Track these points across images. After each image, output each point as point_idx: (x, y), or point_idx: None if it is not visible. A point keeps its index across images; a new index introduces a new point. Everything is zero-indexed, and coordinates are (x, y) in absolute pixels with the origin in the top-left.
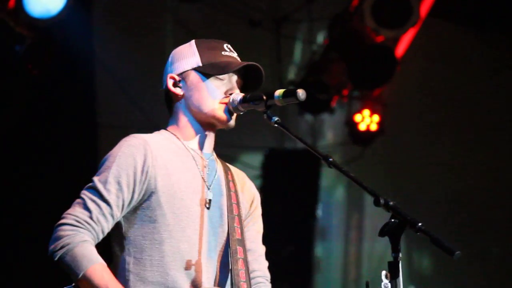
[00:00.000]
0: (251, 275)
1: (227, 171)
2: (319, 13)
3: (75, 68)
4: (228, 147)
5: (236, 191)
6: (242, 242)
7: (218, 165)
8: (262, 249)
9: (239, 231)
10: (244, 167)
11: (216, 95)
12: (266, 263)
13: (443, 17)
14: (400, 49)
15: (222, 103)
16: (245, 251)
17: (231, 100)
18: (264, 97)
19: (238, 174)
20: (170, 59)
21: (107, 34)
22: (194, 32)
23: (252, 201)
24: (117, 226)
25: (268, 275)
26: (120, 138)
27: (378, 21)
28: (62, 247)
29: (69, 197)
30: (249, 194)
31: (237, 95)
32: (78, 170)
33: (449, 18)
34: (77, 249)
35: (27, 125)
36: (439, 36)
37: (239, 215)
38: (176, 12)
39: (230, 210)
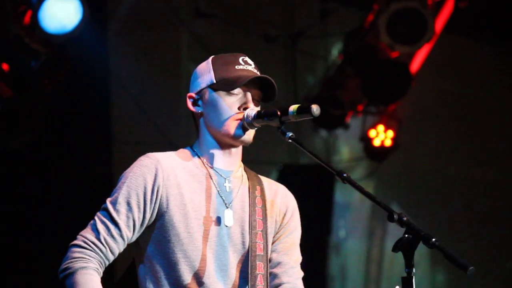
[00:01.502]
0: None
1: (255, 186)
2: (334, 28)
3: (90, 84)
4: (243, 162)
5: (264, 206)
6: (263, 257)
7: (244, 181)
8: (295, 261)
9: (261, 246)
10: None
11: (230, 111)
12: (299, 274)
13: (458, 33)
14: (415, 65)
15: (237, 119)
16: (266, 266)
17: (245, 116)
18: (279, 113)
19: (272, 188)
20: (192, 77)
21: (122, 50)
22: (209, 48)
23: (285, 214)
24: (137, 247)
25: (299, 287)
26: (134, 154)
27: (393, 37)
28: (64, 270)
29: (84, 213)
30: (281, 207)
31: (252, 111)
32: (93, 186)
33: (464, 33)
34: (76, 276)
35: (42, 140)
36: (454, 52)
37: (264, 231)
38: (191, 27)
39: (253, 226)
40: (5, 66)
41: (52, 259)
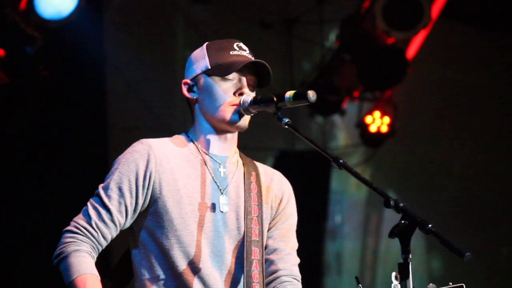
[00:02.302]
0: (276, 275)
1: (251, 172)
2: (330, 14)
3: (85, 70)
4: (238, 149)
5: (259, 192)
6: (258, 243)
7: (239, 167)
8: (292, 247)
9: (257, 232)
10: None
11: (225, 97)
12: (295, 261)
13: (454, 19)
14: (411, 51)
15: (232, 105)
16: (261, 252)
17: (241, 102)
18: (275, 99)
19: (267, 174)
20: (187, 63)
21: (118, 36)
22: (205, 34)
23: (281, 200)
24: (132, 232)
25: (295, 273)
26: (130, 139)
27: (389, 23)
28: (58, 255)
29: (80, 198)
30: (277, 193)
31: (248, 97)
32: (89, 171)
33: (460, 19)
34: (69, 259)
35: (37, 126)
36: (450, 38)
37: (259, 216)
38: (187, 13)
39: (248, 212)
40: (0, 52)
41: (46, 244)
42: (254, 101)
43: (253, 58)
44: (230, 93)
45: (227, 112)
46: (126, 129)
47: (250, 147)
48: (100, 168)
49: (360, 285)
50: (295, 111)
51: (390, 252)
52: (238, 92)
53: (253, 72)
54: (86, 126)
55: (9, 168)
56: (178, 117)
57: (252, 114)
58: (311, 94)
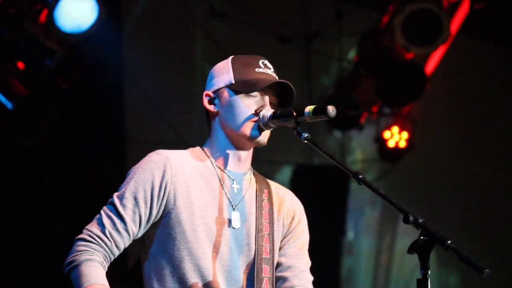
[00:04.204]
0: None
1: (263, 189)
2: (349, 29)
3: (104, 83)
4: (257, 163)
5: (271, 210)
6: (269, 261)
7: (252, 184)
8: (305, 265)
9: (268, 249)
10: None
11: (247, 113)
12: (309, 278)
13: (474, 35)
14: (430, 66)
15: (253, 121)
16: (272, 270)
17: (261, 116)
18: (294, 114)
19: (279, 192)
20: (208, 76)
21: (137, 49)
22: (224, 47)
23: (293, 218)
24: (143, 243)
25: None
26: (148, 153)
27: (408, 38)
28: (70, 263)
29: (96, 211)
30: (289, 211)
31: (267, 111)
32: (106, 184)
33: (479, 35)
34: (80, 268)
35: (56, 138)
36: (469, 54)
37: (271, 234)
38: (206, 27)
39: (259, 229)
40: (20, 65)
41: (62, 255)
42: (273, 116)
43: (277, 77)
44: (252, 110)
45: (248, 128)
46: (144, 142)
47: (268, 161)
48: (117, 181)
49: None
50: (313, 125)
51: (403, 269)
52: (259, 110)
53: (276, 91)
54: (104, 139)
55: (28, 180)
56: (196, 130)
57: (271, 129)
58: (331, 109)
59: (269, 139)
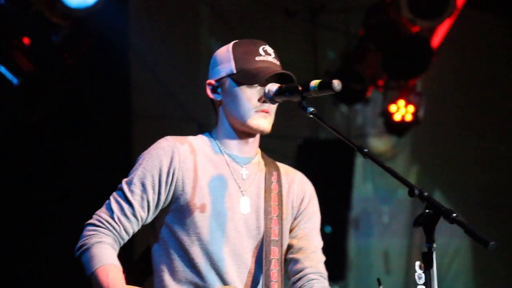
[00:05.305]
0: (303, 273)
1: (272, 172)
2: (355, 3)
3: (110, 58)
4: (262, 137)
5: (280, 192)
6: (278, 242)
7: (260, 168)
8: (316, 246)
9: (276, 231)
10: (278, 157)
11: (250, 103)
12: (321, 259)
13: (480, 8)
14: (436, 40)
15: (256, 111)
16: (280, 251)
17: (266, 91)
18: (300, 88)
19: (288, 174)
20: (210, 63)
21: (143, 24)
22: (230, 22)
23: (302, 200)
24: (152, 229)
25: (322, 271)
26: (154, 128)
27: (414, 12)
28: (80, 247)
29: (103, 187)
30: (298, 193)
31: (273, 86)
32: (112, 160)
33: (486, 8)
34: (91, 250)
35: (62, 114)
36: (476, 27)
37: (279, 216)
38: (212, 2)
39: (268, 212)
40: (26, 40)
41: (69, 235)
42: (279, 91)
43: (278, 63)
44: (254, 100)
45: (251, 118)
46: (150, 118)
47: (273, 136)
48: (124, 156)
49: (381, 287)
50: (319, 99)
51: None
52: (262, 100)
53: (277, 79)
54: (110, 114)
55: (34, 156)
56: (203, 105)
57: (277, 104)
58: (336, 84)
59: (276, 113)
